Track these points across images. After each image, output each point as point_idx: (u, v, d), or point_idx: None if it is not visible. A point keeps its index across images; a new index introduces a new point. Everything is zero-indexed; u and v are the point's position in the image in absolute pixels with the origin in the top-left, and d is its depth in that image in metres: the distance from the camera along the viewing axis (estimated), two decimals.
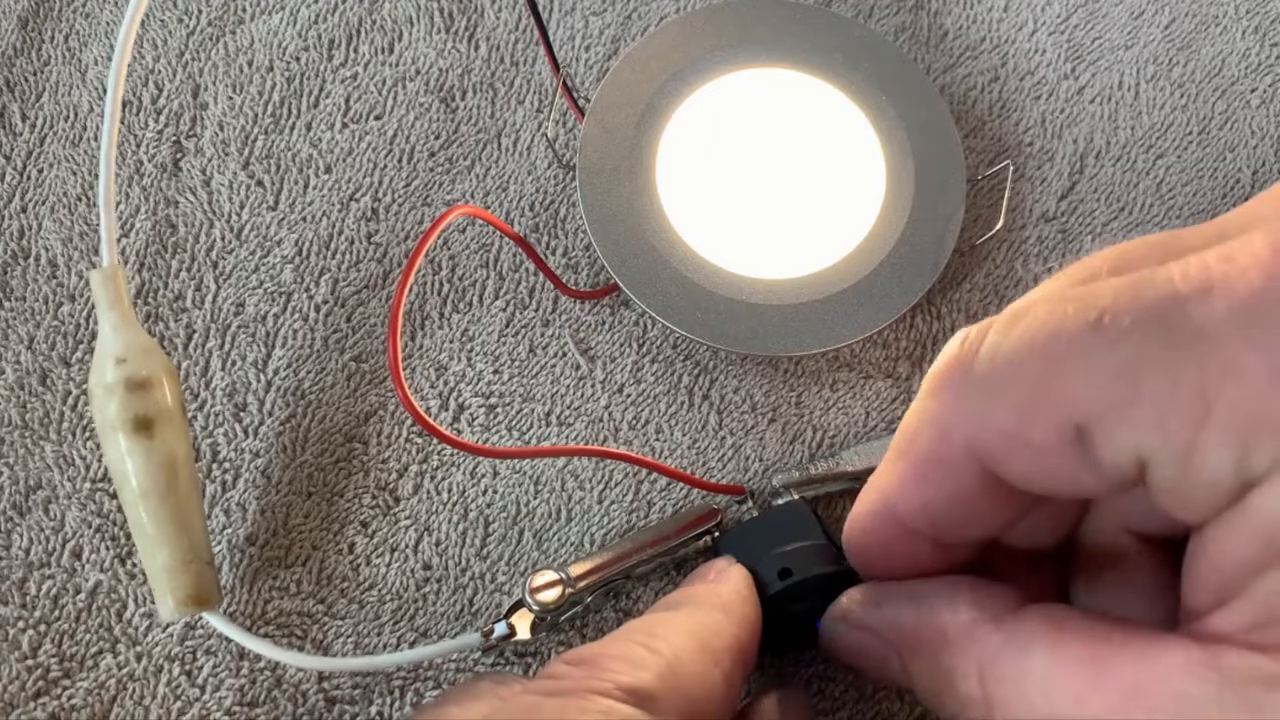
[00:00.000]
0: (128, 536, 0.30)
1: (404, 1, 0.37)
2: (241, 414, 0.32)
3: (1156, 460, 0.18)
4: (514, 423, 0.32)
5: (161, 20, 0.36)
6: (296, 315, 0.33)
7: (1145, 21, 0.38)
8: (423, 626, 0.30)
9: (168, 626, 0.30)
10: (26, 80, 0.35)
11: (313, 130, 0.35)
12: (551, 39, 0.35)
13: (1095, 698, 0.19)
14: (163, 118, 0.35)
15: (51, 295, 0.33)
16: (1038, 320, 0.19)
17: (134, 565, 0.30)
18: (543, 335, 0.33)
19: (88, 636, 0.30)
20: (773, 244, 0.33)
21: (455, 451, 0.32)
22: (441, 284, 0.33)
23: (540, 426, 0.32)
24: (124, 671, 0.29)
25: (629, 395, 0.33)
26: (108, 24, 0.36)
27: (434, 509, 0.31)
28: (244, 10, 0.36)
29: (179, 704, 0.29)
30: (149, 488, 0.28)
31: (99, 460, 0.31)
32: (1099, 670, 0.19)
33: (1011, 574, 0.24)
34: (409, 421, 0.32)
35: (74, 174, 0.34)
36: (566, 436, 0.32)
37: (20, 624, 0.29)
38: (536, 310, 0.33)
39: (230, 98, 0.35)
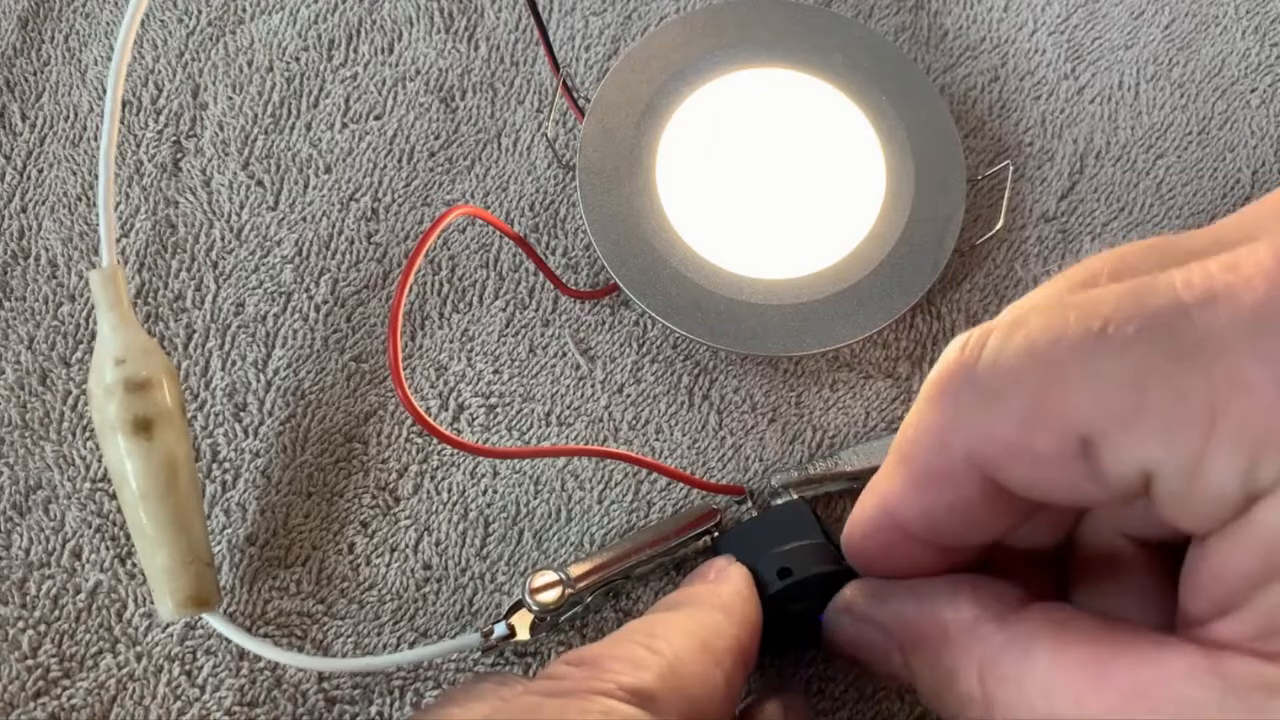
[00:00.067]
0: (128, 536, 0.30)
1: (404, 1, 0.37)
2: (241, 414, 0.32)
3: (1162, 472, 0.18)
4: (514, 423, 0.32)
5: (161, 20, 0.36)
6: (296, 315, 0.33)
7: (1145, 21, 0.38)
8: (423, 626, 0.30)
9: (168, 626, 0.30)
10: (26, 80, 0.35)
11: (313, 130, 0.35)
12: (551, 39, 0.35)
13: (1095, 699, 0.19)
14: (163, 118, 0.35)
15: (51, 295, 0.33)
16: (1039, 327, 0.19)
17: (134, 565, 0.30)
18: (543, 335, 0.33)
19: (88, 636, 0.30)
20: (773, 244, 0.33)
21: (455, 451, 0.32)
22: (441, 284, 0.33)
23: (540, 426, 0.32)
24: (124, 671, 0.29)
25: (629, 395, 0.33)
26: (108, 24, 0.36)
27: (434, 509, 0.31)
28: (244, 10, 0.36)
29: (179, 704, 0.29)
30: (149, 489, 0.28)
31: (99, 460, 0.31)
32: (1100, 672, 0.19)
33: (1012, 572, 0.24)
34: (409, 421, 0.32)
35: (74, 174, 0.34)
36: (566, 436, 0.32)
37: (20, 624, 0.29)
38: (536, 310, 0.33)
39: (230, 98, 0.35)
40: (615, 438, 0.32)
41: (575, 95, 0.35)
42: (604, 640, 0.24)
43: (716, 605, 0.25)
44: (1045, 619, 0.21)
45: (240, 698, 0.29)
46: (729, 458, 0.32)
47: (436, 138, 0.35)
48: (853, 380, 0.33)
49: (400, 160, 0.35)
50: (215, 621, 0.29)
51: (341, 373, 0.33)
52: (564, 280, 0.33)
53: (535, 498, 0.31)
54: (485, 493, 0.31)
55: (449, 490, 0.31)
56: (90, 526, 0.30)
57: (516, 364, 0.33)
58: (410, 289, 0.33)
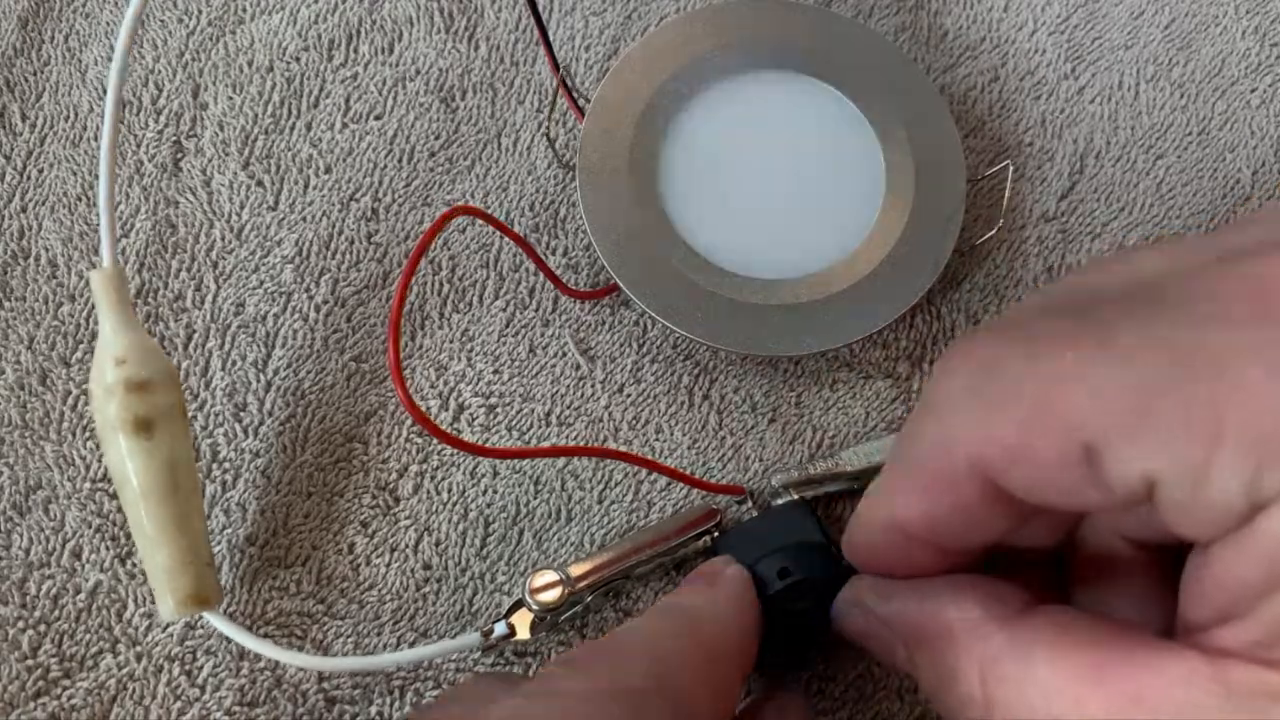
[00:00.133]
0: (128, 536, 0.30)
1: (404, 1, 0.36)
2: (241, 414, 0.32)
3: (1165, 480, 0.18)
4: (514, 423, 0.32)
5: (161, 20, 0.36)
6: (296, 315, 0.33)
7: (1145, 21, 0.37)
8: (422, 626, 0.30)
9: (168, 626, 0.30)
10: (26, 80, 0.35)
11: (313, 130, 0.35)
12: (551, 39, 0.35)
13: (1095, 703, 0.19)
14: (163, 118, 0.35)
15: (51, 295, 0.33)
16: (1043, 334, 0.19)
17: (134, 565, 0.30)
18: (543, 335, 0.33)
19: (88, 636, 0.30)
20: (773, 244, 0.33)
21: (455, 451, 0.32)
22: (441, 284, 0.33)
23: (540, 426, 0.32)
24: (124, 671, 0.29)
25: (629, 395, 0.33)
26: (108, 24, 0.36)
27: (434, 509, 0.31)
28: (244, 10, 0.36)
29: (179, 704, 0.29)
30: (149, 489, 0.28)
31: (99, 460, 0.31)
32: (1101, 676, 0.19)
33: (1013, 571, 0.24)
34: (409, 421, 0.32)
35: (74, 174, 0.34)
36: (566, 436, 0.32)
37: (20, 624, 0.29)
38: (536, 310, 0.33)
39: (230, 98, 0.35)
40: (615, 438, 0.32)
41: (575, 95, 0.35)
42: (599, 640, 0.24)
43: (715, 606, 0.25)
44: (1048, 621, 0.21)
45: (240, 698, 0.29)
46: (729, 458, 0.32)
47: (436, 138, 0.35)
48: (853, 380, 0.33)
49: (400, 160, 0.35)
50: (215, 621, 0.29)
51: (341, 373, 0.33)
52: (564, 280, 0.33)
53: (535, 498, 0.31)
54: (485, 493, 0.31)
55: (449, 490, 0.31)
56: (90, 526, 0.30)
57: (516, 364, 0.33)
58: (410, 289, 0.33)
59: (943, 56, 0.37)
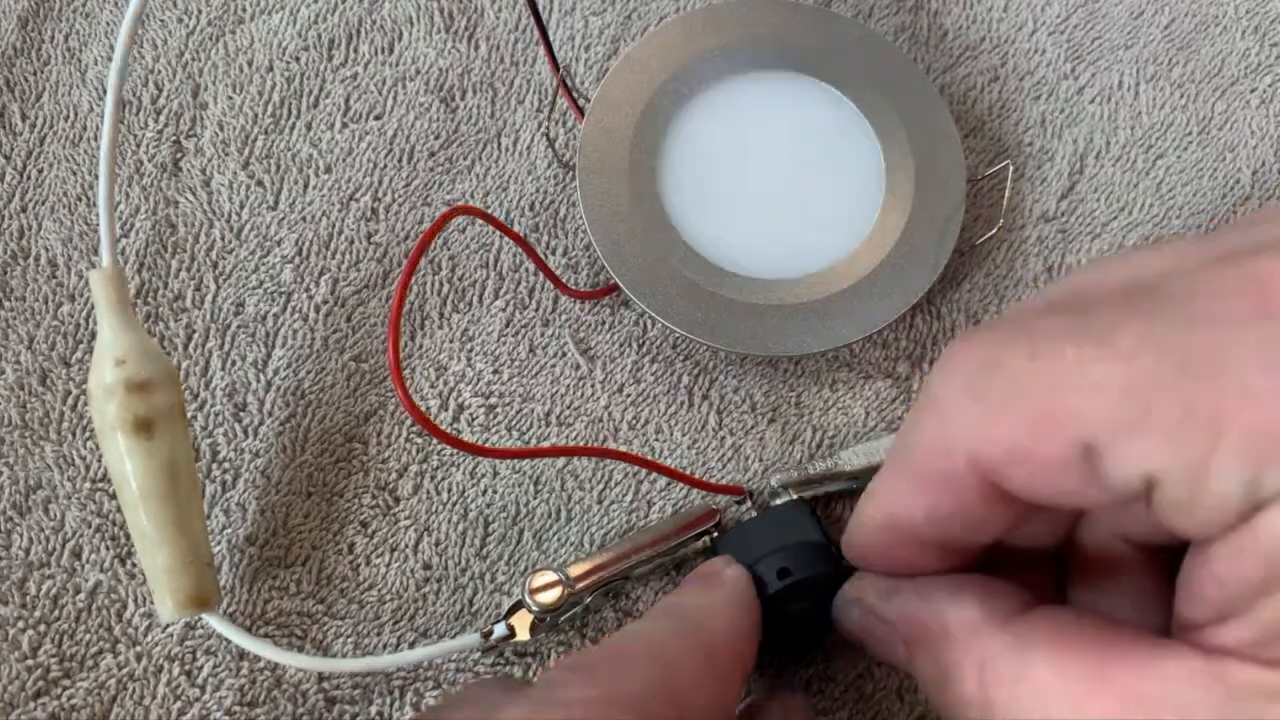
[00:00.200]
0: (127, 536, 0.30)
1: (404, 1, 0.36)
2: (241, 414, 0.32)
3: (1166, 480, 0.18)
4: (514, 423, 0.32)
5: (161, 20, 0.36)
6: (296, 315, 0.33)
7: (1145, 21, 0.37)
8: (422, 627, 0.30)
9: (168, 626, 0.30)
10: (26, 80, 0.35)
11: (313, 130, 0.35)
12: (551, 39, 0.35)
13: (1094, 704, 0.19)
14: (163, 118, 0.35)
15: (51, 295, 0.33)
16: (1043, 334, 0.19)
17: (134, 565, 0.30)
18: (543, 335, 0.33)
19: (88, 636, 0.30)
20: (773, 244, 0.33)
21: (455, 451, 0.32)
22: (441, 284, 0.33)
23: (540, 426, 0.32)
24: (124, 671, 0.29)
25: (629, 395, 0.33)
26: (108, 24, 0.36)
27: (434, 509, 0.31)
28: (244, 10, 0.36)
29: (179, 704, 0.29)
30: (149, 489, 0.28)
31: (99, 460, 0.31)
32: (1099, 676, 0.19)
33: (1012, 570, 0.24)
34: (409, 421, 0.32)
35: (74, 174, 0.34)
36: (566, 436, 0.32)
37: (20, 624, 0.29)
38: (536, 310, 0.33)
39: (230, 98, 0.35)
40: (615, 438, 0.32)
41: (575, 95, 0.35)
42: (601, 645, 0.24)
43: (714, 606, 0.25)
44: (1046, 621, 0.21)
45: (240, 698, 0.29)
46: (729, 458, 0.32)
47: (436, 138, 0.35)
48: (853, 380, 0.33)
49: (400, 160, 0.35)
50: (215, 621, 0.29)
51: (341, 373, 0.33)
52: (564, 280, 0.33)
53: (535, 498, 0.31)
54: (485, 493, 0.31)
55: (449, 490, 0.31)
56: (90, 526, 0.30)
57: (516, 364, 0.33)
58: (410, 289, 0.33)
59: (943, 56, 0.37)
